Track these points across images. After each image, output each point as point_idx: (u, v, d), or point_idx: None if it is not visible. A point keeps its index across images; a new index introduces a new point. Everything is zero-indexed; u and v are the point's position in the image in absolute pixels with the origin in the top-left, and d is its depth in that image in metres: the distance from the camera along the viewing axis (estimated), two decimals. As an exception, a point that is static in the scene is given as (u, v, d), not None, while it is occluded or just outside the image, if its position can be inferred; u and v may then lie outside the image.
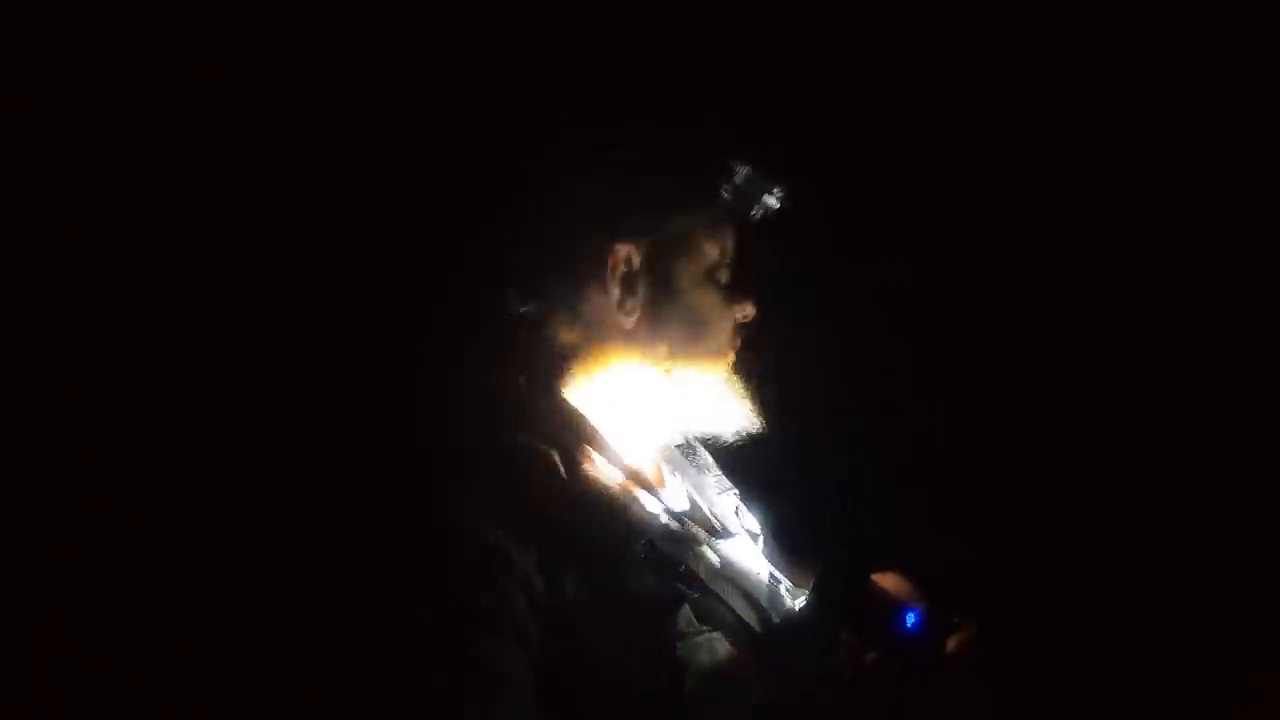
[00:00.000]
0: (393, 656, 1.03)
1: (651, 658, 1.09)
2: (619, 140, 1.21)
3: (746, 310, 1.26)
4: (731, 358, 1.26)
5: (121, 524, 1.47)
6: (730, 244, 1.24)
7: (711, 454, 1.37)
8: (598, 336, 1.21)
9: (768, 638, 1.17)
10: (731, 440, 1.28)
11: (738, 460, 1.35)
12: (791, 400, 1.31)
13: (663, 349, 1.22)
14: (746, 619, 1.16)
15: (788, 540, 1.33)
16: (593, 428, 1.19)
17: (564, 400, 1.20)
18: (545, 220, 1.20)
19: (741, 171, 1.22)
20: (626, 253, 1.19)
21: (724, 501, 1.33)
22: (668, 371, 1.23)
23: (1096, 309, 1.80)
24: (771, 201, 1.23)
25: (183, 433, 1.51)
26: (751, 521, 1.33)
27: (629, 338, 1.21)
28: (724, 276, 1.24)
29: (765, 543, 1.32)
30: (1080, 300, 1.80)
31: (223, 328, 1.54)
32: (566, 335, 1.20)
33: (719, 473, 1.36)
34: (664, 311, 1.21)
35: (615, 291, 1.19)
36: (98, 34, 1.50)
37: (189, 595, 1.46)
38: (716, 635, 1.14)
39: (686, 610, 1.13)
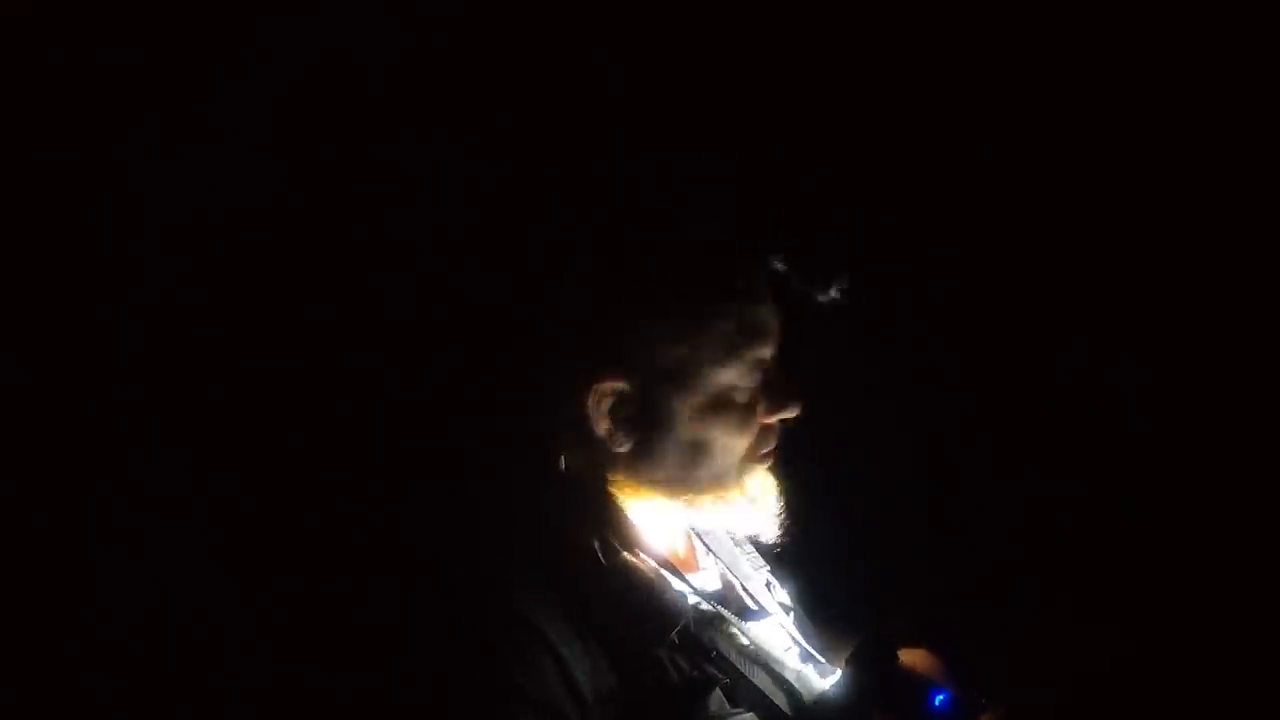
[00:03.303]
0: None
1: None
2: (603, 265, 1.21)
3: (785, 414, 1.23)
4: (758, 468, 1.24)
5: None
6: (750, 361, 1.20)
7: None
8: (603, 460, 1.21)
9: (798, 718, 1.19)
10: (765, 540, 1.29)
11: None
12: (821, 478, 1.33)
13: (661, 477, 1.21)
14: (776, 700, 1.19)
15: (820, 615, 1.36)
16: (628, 515, 1.22)
17: (600, 488, 1.23)
18: (529, 354, 1.23)
19: (783, 267, 1.22)
20: (611, 387, 1.18)
21: (757, 577, 1.36)
22: (673, 498, 1.22)
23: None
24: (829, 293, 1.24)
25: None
26: (783, 596, 1.36)
27: (630, 465, 1.21)
28: (740, 397, 1.21)
29: (797, 617, 1.34)
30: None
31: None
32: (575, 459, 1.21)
33: (752, 550, 1.39)
34: (658, 444, 1.20)
35: (603, 425, 1.19)
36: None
37: (224, 659, 1.51)
38: (749, 716, 1.16)
39: (719, 693, 1.15)
